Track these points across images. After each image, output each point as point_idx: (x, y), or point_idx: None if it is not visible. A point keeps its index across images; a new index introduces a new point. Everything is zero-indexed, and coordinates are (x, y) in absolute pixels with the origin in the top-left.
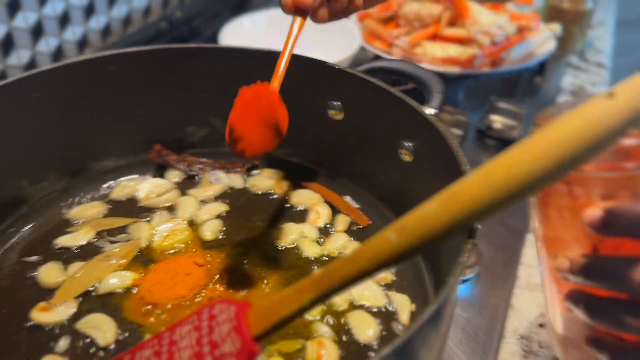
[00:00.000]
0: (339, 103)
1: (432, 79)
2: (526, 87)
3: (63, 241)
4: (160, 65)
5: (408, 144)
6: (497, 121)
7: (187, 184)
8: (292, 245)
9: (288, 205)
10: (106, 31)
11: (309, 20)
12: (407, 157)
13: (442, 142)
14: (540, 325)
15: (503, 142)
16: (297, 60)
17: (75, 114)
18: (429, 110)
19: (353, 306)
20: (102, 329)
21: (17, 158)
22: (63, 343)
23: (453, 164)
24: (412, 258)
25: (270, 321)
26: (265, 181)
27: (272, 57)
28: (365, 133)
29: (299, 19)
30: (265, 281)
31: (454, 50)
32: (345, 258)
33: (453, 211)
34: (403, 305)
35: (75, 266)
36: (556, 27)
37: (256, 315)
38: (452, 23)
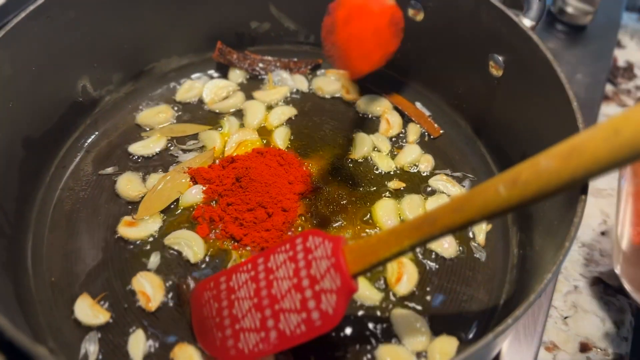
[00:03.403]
0: (418, 2)
1: None
2: None
3: (136, 149)
4: None
5: (499, 58)
6: (571, 5)
7: (251, 85)
8: (365, 158)
9: (356, 111)
10: None
11: None
12: (495, 71)
13: (541, 61)
14: (603, 234)
15: (575, 28)
16: None
17: (136, 9)
18: (527, 22)
19: None
20: (191, 245)
21: (78, 58)
22: (154, 259)
23: (552, 87)
24: (520, 210)
25: (368, 261)
26: (331, 84)
27: None
28: (448, 39)
29: None
30: (343, 200)
31: None
32: (448, 206)
33: (573, 168)
34: (478, 226)
35: (153, 177)
36: None
37: (353, 253)
38: None
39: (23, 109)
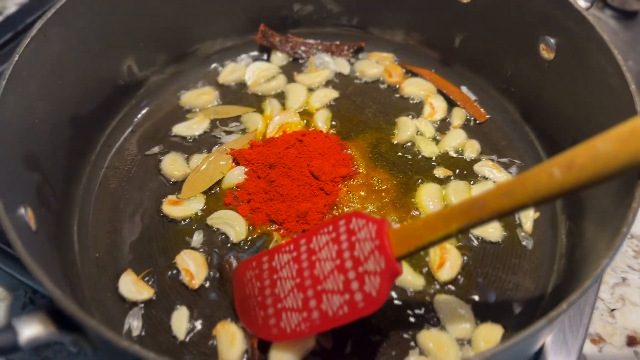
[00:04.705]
0: None
1: None
2: None
3: (179, 130)
4: None
5: (550, 40)
6: None
7: (293, 68)
8: (408, 143)
9: (399, 95)
10: None
11: None
12: (546, 54)
13: (597, 43)
14: None
15: (626, 14)
16: None
17: None
18: (582, 2)
19: None
20: (233, 225)
21: (124, 38)
22: (197, 238)
23: (608, 70)
24: (571, 197)
25: (414, 245)
26: (373, 67)
27: None
28: (496, 20)
29: None
30: (385, 184)
31: None
32: (498, 189)
33: (632, 151)
34: (526, 213)
35: (197, 158)
36: None
37: (397, 236)
38: None
39: (71, 87)
